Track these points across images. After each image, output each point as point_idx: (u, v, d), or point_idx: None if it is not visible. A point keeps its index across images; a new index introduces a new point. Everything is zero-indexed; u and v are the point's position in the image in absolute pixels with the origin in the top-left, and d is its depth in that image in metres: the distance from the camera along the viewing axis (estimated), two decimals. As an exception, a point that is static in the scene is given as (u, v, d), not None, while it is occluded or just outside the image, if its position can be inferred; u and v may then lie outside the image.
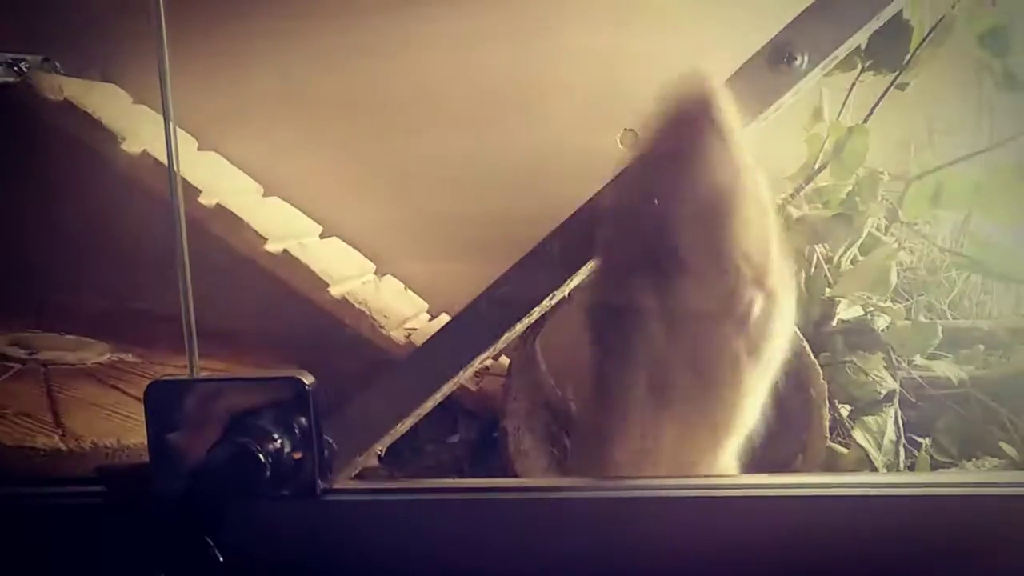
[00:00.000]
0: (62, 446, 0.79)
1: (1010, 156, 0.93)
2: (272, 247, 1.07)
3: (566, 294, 0.73)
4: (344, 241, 1.22)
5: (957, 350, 0.95)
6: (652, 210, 0.64)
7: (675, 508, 0.59)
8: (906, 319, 0.95)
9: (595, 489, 0.61)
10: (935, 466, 0.87)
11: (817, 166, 0.98)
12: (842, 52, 0.66)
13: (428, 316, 1.18)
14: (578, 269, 0.70)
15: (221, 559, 0.55)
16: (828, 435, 0.83)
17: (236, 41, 1.19)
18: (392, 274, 1.22)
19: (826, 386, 0.82)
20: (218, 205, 1.07)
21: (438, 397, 0.70)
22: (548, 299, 0.71)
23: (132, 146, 1.08)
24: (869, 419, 0.88)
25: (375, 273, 1.21)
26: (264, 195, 1.21)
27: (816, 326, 0.94)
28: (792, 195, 0.99)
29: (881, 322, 0.93)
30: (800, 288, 0.95)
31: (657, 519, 0.60)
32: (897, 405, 0.89)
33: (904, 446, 0.87)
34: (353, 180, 1.22)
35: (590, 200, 0.69)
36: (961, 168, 0.95)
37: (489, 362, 1.06)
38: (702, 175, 0.63)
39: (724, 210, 0.63)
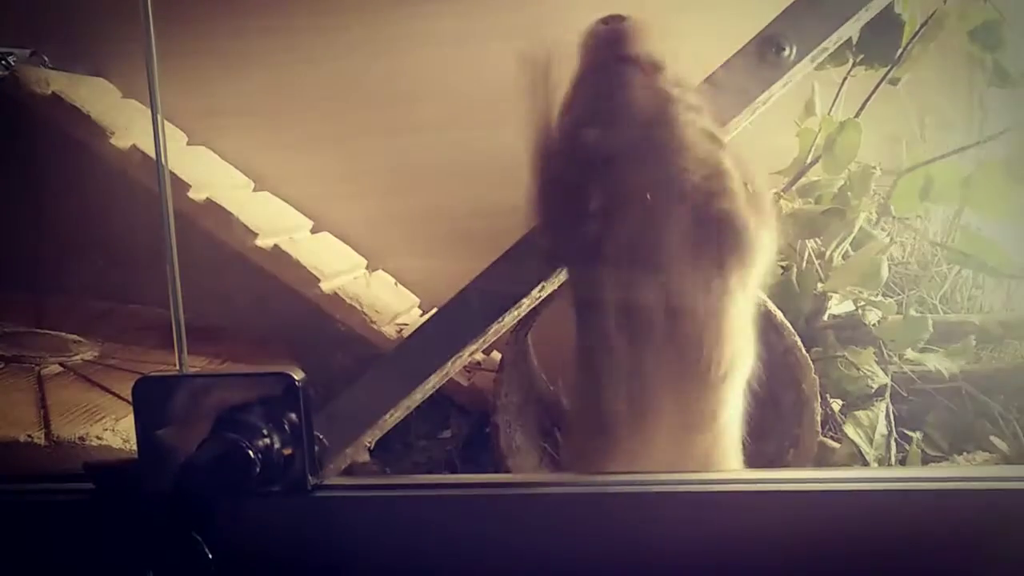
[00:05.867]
0: (50, 443, 0.78)
1: (1001, 150, 0.93)
2: (262, 242, 1.06)
3: (556, 287, 0.72)
4: (335, 236, 1.21)
5: (948, 344, 0.95)
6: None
7: (667, 503, 0.59)
8: (897, 313, 0.95)
9: (587, 485, 0.61)
10: (926, 460, 0.87)
11: (809, 161, 0.98)
12: (831, 44, 0.66)
13: (420, 311, 1.18)
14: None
15: (210, 556, 0.55)
16: (820, 430, 0.83)
17: (227, 37, 1.19)
18: (383, 269, 1.22)
19: (817, 381, 0.82)
20: (208, 200, 1.06)
21: (427, 389, 0.70)
22: (538, 291, 0.70)
23: (121, 141, 1.07)
24: (860, 414, 0.88)
25: (366, 268, 1.21)
26: (254, 190, 1.21)
27: (808, 321, 0.94)
28: (784, 190, 0.99)
29: (872, 317, 0.93)
30: (792, 283, 0.95)
31: (649, 514, 0.60)
32: (888, 399, 0.89)
33: (895, 440, 0.87)
34: (344, 175, 1.22)
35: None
36: (951, 162, 0.95)
37: (481, 357, 1.06)
38: (632, 111, 0.62)
39: (661, 141, 0.61)
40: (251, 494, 0.58)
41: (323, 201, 1.22)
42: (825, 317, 0.94)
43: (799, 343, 0.82)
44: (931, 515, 0.57)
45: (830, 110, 0.99)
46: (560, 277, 0.71)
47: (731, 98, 0.65)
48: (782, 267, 0.99)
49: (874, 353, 0.91)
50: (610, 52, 0.63)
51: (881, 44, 0.93)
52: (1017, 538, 0.56)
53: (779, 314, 0.81)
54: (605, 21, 0.64)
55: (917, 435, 0.89)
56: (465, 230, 1.18)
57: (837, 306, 0.95)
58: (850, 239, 0.96)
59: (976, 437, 0.90)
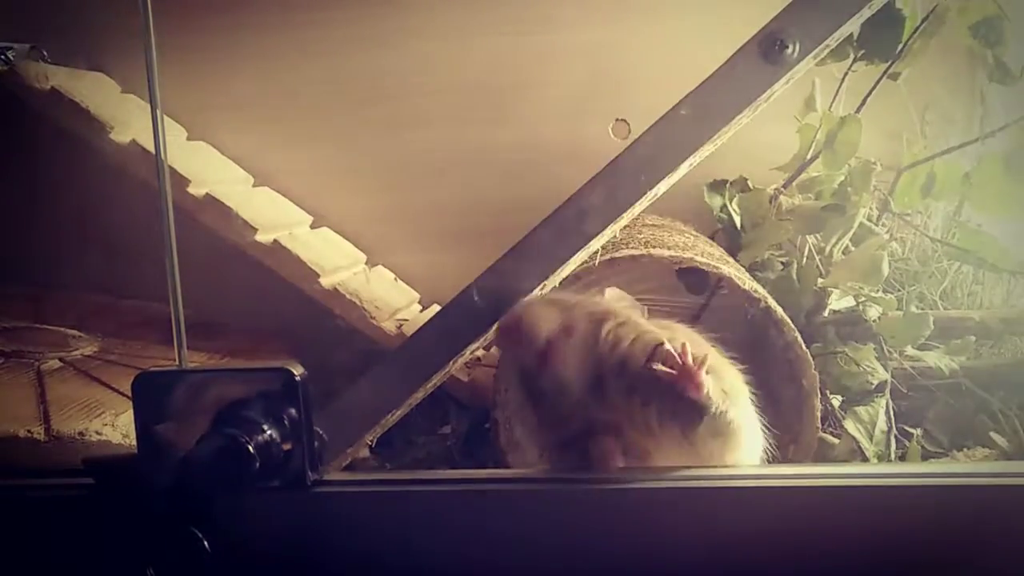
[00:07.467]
0: (49, 438, 0.78)
1: (1001, 146, 0.93)
2: (262, 237, 1.06)
3: (556, 286, 0.72)
4: (335, 231, 1.21)
5: (948, 340, 0.95)
6: None
7: (667, 498, 0.59)
8: (898, 309, 0.95)
9: (586, 480, 0.61)
10: (926, 456, 0.87)
11: (809, 156, 0.97)
12: (834, 41, 0.65)
13: (419, 307, 1.18)
14: (567, 259, 0.69)
15: (209, 551, 0.55)
16: (820, 425, 0.83)
17: (226, 32, 1.18)
18: (383, 264, 1.21)
19: (818, 377, 0.82)
20: (208, 195, 1.06)
21: (428, 387, 0.69)
22: (538, 290, 0.70)
23: (120, 135, 1.06)
24: (860, 410, 0.88)
25: (366, 263, 1.21)
26: (254, 185, 1.21)
27: (808, 317, 0.94)
28: (784, 185, 0.99)
29: (873, 312, 0.93)
30: (792, 278, 0.95)
31: (649, 509, 0.60)
32: (888, 395, 0.89)
33: (895, 436, 0.87)
34: (344, 170, 1.22)
35: (580, 191, 0.68)
36: (952, 158, 0.95)
37: (480, 353, 1.06)
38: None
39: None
40: (250, 489, 0.58)
41: (323, 196, 1.22)
42: (825, 313, 0.94)
43: (799, 339, 0.81)
44: (931, 511, 0.57)
45: (831, 106, 0.99)
46: (559, 276, 0.71)
47: (733, 96, 0.65)
48: (782, 263, 0.99)
49: (874, 349, 0.91)
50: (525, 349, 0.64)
51: (882, 39, 0.93)
52: (1017, 534, 0.56)
53: (779, 310, 0.81)
54: (502, 328, 0.66)
55: (917, 431, 0.89)
56: (465, 225, 1.18)
57: (837, 302, 0.95)
58: (850, 235, 0.96)
59: (976, 433, 0.90)
